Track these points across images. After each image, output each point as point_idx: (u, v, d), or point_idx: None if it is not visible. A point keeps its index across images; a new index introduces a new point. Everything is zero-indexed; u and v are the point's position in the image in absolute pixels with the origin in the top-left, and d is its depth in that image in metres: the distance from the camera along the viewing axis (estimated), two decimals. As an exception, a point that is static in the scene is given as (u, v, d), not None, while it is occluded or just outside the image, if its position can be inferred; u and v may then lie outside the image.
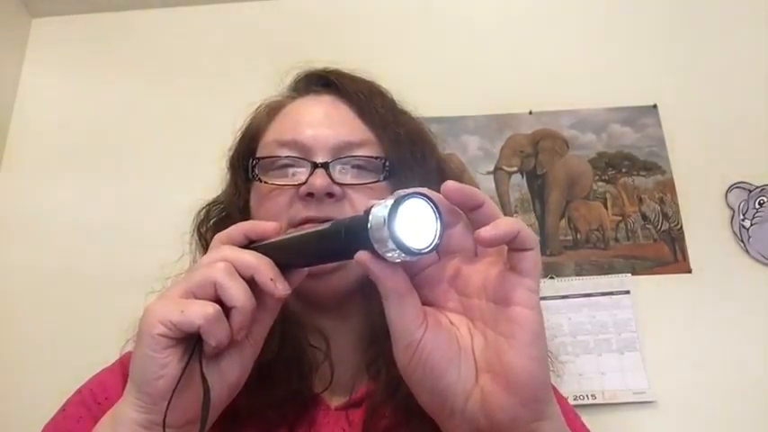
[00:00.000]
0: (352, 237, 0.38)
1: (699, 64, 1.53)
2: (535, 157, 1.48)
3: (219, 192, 0.70)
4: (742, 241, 1.36)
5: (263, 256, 0.43)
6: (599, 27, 1.59)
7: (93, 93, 1.61)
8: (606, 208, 1.43)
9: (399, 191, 0.38)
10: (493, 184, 1.46)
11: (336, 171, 0.59)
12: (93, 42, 1.67)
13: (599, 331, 1.30)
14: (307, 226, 0.54)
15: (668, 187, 1.43)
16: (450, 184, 0.39)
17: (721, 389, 1.24)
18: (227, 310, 0.42)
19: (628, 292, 1.33)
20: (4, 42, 1.62)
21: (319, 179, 0.57)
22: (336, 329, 0.60)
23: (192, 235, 0.68)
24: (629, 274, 1.35)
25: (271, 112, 0.67)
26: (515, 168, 1.48)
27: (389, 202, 0.36)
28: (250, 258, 0.43)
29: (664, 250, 1.38)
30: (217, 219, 0.67)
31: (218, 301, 0.42)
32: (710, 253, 1.36)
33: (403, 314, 0.39)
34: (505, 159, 1.48)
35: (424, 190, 0.39)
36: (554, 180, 1.46)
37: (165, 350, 0.40)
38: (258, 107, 0.69)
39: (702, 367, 1.26)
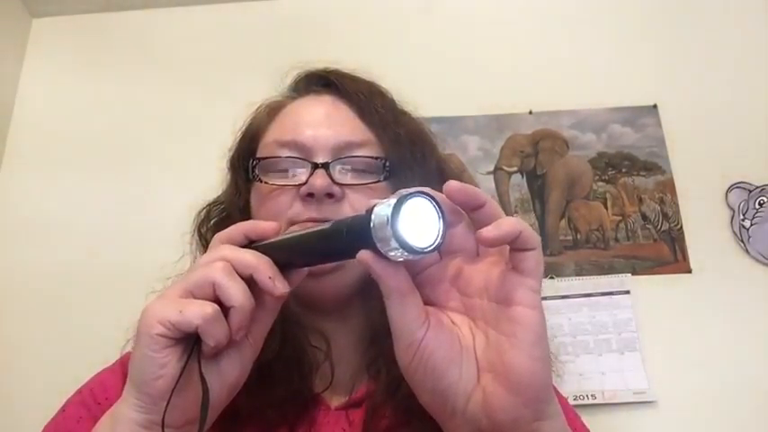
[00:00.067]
0: (353, 236, 0.38)
1: (699, 64, 1.53)
2: (535, 157, 1.48)
3: (220, 192, 0.70)
4: (742, 241, 1.36)
5: (263, 256, 0.43)
6: (599, 27, 1.59)
7: (93, 93, 1.61)
8: (606, 208, 1.43)
9: (402, 190, 0.38)
10: (493, 185, 1.46)
11: (336, 171, 0.59)
12: (93, 42, 1.67)
13: (599, 331, 1.30)
14: (307, 226, 0.53)
15: (668, 187, 1.43)
16: (452, 184, 0.39)
17: (721, 389, 1.24)
18: (225, 309, 0.41)
19: (628, 292, 1.33)
20: (4, 42, 1.62)
21: (320, 179, 0.57)
22: (337, 330, 0.60)
23: (193, 235, 0.67)
24: (629, 274, 1.35)
25: (271, 112, 0.67)
26: (515, 168, 1.48)
27: (392, 200, 0.36)
28: (249, 257, 0.43)
29: (664, 250, 1.38)
30: (217, 219, 0.67)
31: (217, 300, 0.41)
32: (710, 253, 1.36)
33: (405, 313, 0.39)
34: (505, 159, 1.48)
35: (427, 189, 0.38)
36: (554, 180, 1.46)
37: (164, 350, 0.40)
38: (258, 107, 0.69)
39: (702, 367, 1.26)
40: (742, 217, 1.37)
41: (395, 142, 0.62)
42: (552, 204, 1.44)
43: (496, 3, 1.65)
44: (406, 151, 0.63)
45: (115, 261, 1.40)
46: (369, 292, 0.56)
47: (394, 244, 0.35)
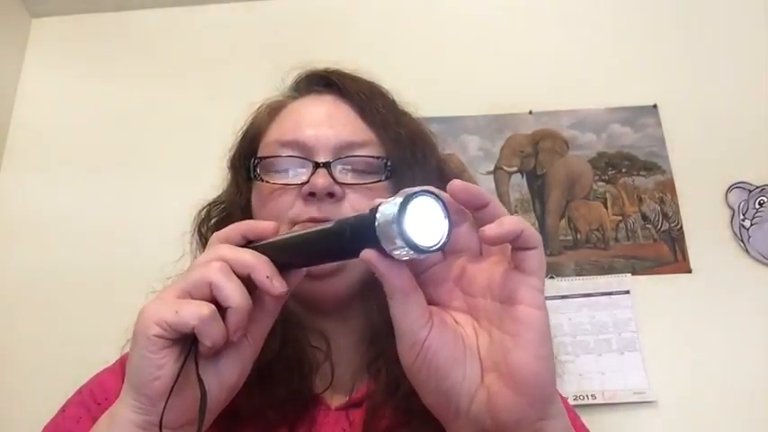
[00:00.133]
0: (357, 235, 0.38)
1: (699, 64, 1.53)
2: (535, 157, 1.48)
3: (220, 191, 0.70)
4: (742, 241, 1.36)
5: (261, 255, 0.43)
6: (599, 27, 1.59)
7: (93, 93, 1.61)
8: (606, 208, 1.43)
9: (407, 189, 0.37)
10: (493, 184, 1.46)
11: (337, 171, 0.58)
12: (93, 42, 1.67)
13: (599, 331, 1.30)
14: (308, 226, 0.53)
15: (668, 187, 1.43)
16: (456, 183, 0.39)
17: (721, 389, 1.24)
18: (223, 310, 0.41)
19: (628, 292, 1.33)
20: (4, 42, 1.61)
21: (321, 179, 0.57)
22: (337, 330, 0.60)
23: (193, 235, 0.67)
24: (629, 274, 1.35)
25: (272, 111, 0.66)
26: (515, 168, 1.48)
27: (399, 199, 0.35)
28: (247, 257, 0.42)
29: (664, 250, 1.38)
30: (218, 219, 0.67)
31: (215, 301, 0.41)
32: (710, 253, 1.36)
33: (408, 313, 0.39)
34: (505, 159, 1.48)
35: (433, 188, 0.38)
36: (554, 180, 1.46)
37: (161, 351, 0.40)
38: (259, 107, 0.69)
39: (702, 367, 1.26)
40: (742, 217, 1.37)
41: (396, 142, 0.62)
42: (552, 204, 1.44)
43: (496, 3, 1.65)
44: (407, 151, 0.63)
45: (115, 261, 1.40)
46: (369, 293, 0.56)
47: (400, 243, 0.35)
